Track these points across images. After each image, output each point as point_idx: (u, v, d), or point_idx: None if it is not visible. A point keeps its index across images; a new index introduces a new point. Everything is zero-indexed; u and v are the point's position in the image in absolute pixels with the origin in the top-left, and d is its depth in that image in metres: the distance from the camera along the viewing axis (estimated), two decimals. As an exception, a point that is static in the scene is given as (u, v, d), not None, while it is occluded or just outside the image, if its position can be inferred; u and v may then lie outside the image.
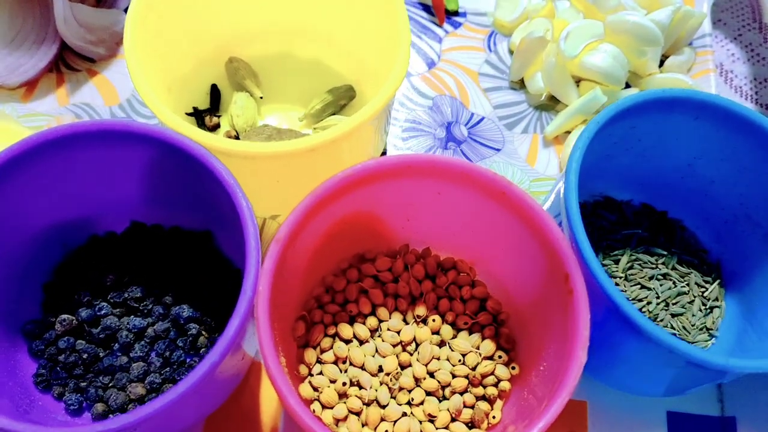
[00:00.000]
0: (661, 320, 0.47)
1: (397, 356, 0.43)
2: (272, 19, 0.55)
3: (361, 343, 0.44)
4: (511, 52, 0.63)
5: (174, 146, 0.40)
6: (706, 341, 0.47)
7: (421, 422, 0.42)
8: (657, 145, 0.47)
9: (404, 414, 0.42)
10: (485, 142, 0.58)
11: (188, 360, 0.44)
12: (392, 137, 0.58)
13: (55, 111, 0.58)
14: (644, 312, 0.47)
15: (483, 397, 0.43)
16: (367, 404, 0.42)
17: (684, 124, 0.45)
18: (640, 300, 0.47)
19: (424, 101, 0.60)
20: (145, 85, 0.44)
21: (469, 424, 0.42)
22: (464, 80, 0.61)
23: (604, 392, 0.47)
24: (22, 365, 0.44)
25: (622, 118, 0.43)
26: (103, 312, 0.45)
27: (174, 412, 0.34)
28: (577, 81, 0.59)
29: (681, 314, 0.47)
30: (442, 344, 0.44)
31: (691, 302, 0.48)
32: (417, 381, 0.43)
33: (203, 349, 0.45)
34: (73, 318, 0.45)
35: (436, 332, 0.45)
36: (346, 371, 0.43)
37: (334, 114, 0.56)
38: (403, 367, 0.43)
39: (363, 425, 0.41)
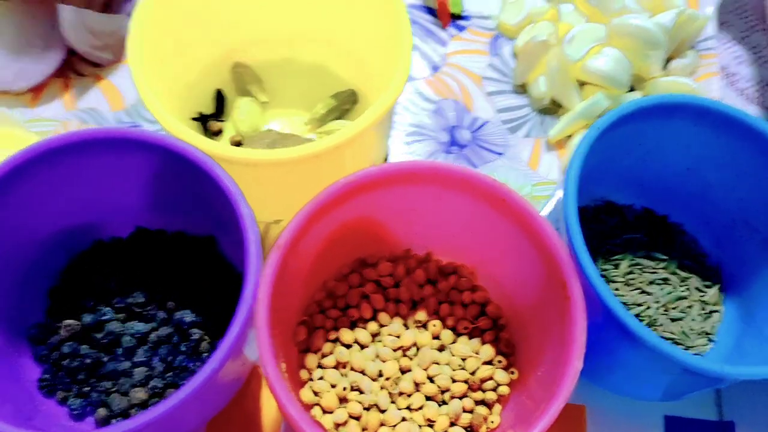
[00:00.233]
0: (660, 325, 0.47)
1: (397, 361, 0.44)
2: (276, 25, 0.56)
3: (362, 347, 0.44)
4: (515, 56, 0.63)
5: (176, 154, 0.41)
6: (705, 346, 0.47)
7: (420, 427, 0.42)
8: (657, 150, 0.47)
9: (404, 419, 0.42)
10: (488, 146, 0.58)
11: (190, 365, 0.44)
12: (396, 141, 0.58)
13: (62, 116, 0.58)
14: (643, 316, 0.47)
15: (482, 402, 0.43)
16: (367, 409, 0.42)
17: (684, 130, 0.46)
18: (640, 305, 0.47)
19: (427, 105, 0.60)
20: (148, 91, 0.44)
21: (468, 429, 0.42)
22: (468, 84, 0.61)
23: (602, 396, 0.47)
24: (26, 370, 0.44)
25: (623, 124, 0.44)
26: (106, 317, 0.45)
27: (176, 416, 0.35)
28: (581, 84, 0.59)
29: (680, 319, 0.47)
30: (442, 349, 0.45)
31: (691, 307, 0.48)
32: (417, 386, 0.43)
33: (206, 354, 0.45)
34: (78, 323, 0.45)
35: (437, 337, 0.45)
36: (346, 376, 0.43)
37: (337, 118, 0.57)
38: (403, 371, 0.44)
39: (363, 430, 0.42)
